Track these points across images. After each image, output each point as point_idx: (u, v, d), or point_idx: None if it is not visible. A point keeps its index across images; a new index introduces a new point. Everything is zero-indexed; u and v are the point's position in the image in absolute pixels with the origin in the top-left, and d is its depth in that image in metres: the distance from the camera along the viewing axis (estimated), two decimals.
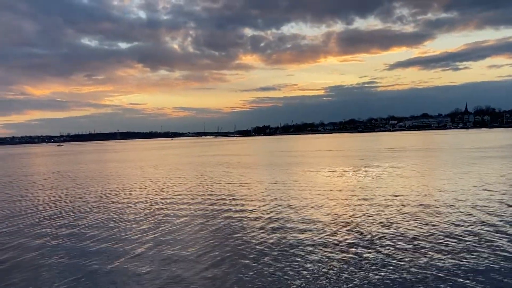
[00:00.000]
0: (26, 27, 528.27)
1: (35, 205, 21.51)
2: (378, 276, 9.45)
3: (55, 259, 11.77)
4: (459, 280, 9.08)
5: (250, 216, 16.44)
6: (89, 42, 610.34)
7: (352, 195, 20.29)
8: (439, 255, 10.67)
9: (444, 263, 10.13)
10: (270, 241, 12.69)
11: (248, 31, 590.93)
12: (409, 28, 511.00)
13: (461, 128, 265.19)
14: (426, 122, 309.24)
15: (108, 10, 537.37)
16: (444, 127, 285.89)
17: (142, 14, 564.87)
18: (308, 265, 10.39)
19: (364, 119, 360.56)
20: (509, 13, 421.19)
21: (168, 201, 20.98)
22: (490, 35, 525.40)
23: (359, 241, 12.22)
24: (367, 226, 13.94)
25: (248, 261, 10.88)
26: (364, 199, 19.04)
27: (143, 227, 15.29)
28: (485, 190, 20.26)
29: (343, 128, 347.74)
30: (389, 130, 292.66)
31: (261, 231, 13.96)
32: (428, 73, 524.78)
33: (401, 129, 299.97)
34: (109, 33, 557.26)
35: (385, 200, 18.70)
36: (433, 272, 9.55)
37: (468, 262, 10.13)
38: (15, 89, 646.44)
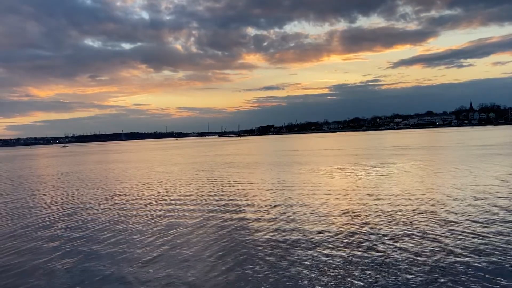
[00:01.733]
0: (31, 29, 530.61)
1: (46, 208, 21.68)
2: (399, 278, 9.49)
3: (68, 263, 11.89)
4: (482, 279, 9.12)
5: (263, 217, 16.50)
6: (92, 43, 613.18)
7: (365, 194, 20.29)
8: (464, 253, 10.71)
9: (468, 262, 10.17)
10: (283, 244, 12.76)
11: (251, 31, 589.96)
12: (412, 26, 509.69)
13: (466, 125, 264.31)
14: (430, 120, 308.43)
15: (111, 11, 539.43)
16: (449, 124, 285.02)
17: (145, 15, 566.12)
18: (325, 268, 10.44)
19: (368, 117, 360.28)
20: None
21: (178, 203, 21.08)
22: (495, 31, 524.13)
23: (376, 241, 12.27)
24: (381, 225, 13.97)
25: (261, 265, 10.95)
26: (376, 198, 19.05)
27: (154, 230, 15.39)
28: (497, 186, 20.25)
29: (347, 126, 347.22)
30: (394, 128, 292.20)
31: (274, 233, 14.02)
32: (432, 70, 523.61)
33: (406, 127, 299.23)
34: (113, 34, 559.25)
35: (399, 198, 18.70)
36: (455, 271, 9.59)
37: (495, 260, 10.16)
38: (20, 90, 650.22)
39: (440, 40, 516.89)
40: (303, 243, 12.43)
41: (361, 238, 12.63)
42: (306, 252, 11.50)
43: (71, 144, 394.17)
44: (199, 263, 11.11)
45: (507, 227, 13.03)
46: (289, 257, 11.14)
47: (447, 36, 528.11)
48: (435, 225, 13.64)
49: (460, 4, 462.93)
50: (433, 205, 16.93)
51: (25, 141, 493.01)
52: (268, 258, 11.17)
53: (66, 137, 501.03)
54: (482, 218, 14.33)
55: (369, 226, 14.01)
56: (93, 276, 10.45)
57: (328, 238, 12.76)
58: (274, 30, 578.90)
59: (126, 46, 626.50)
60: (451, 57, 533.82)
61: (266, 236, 13.42)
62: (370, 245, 11.86)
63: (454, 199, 17.88)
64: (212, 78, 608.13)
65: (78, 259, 12.04)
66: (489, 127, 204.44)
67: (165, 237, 13.99)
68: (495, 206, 16.15)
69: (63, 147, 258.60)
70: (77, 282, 10.14)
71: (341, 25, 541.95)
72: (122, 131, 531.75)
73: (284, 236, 13.35)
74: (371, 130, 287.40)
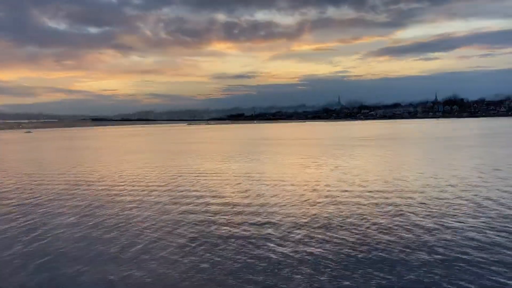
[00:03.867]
0: None
1: (7, 199, 21.13)
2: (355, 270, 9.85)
3: (34, 261, 11.72)
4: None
5: (232, 209, 16.65)
6: (57, 25, 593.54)
7: (335, 184, 20.71)
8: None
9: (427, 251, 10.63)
10: (250, 237, 12.97)
11: (222, 17, 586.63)
12: (381, 18, 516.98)
13: (431, 117, 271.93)
14: (396, 111, 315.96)
15: None
16: (415, 116, 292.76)
17: None
18: (295, 263, 10.70)
19: (336, 108, 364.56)
20: (479, 5, 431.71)
21: (146, 193, 20.92)
22: (460, 26, 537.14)
23: (330, 230, 12.64)
24: (347, 215, 14.38)
25: (228, 259, 11.12)
26: (345, 190, 19.49)
27: (122, 223, 15.26)
28: (452, 176, 21.06)
29: (316, 116, 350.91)
30: (361, 119, 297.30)
31: (242, 225, 14.21)
32: (400, 63, 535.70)
33: (373, 118, 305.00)
34: (78, 16, 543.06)
35: (371, 188, 19.20)
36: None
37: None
38: None
39: (408, 33, 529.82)
40: (271, 235, 12.67)
41: (332, 229, 12.98)
42: (275, 246, 11.73)
43: (35, 129, 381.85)
44: (167, 258, 11.18)
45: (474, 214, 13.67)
46: (256, 250, 11.36)
47: (415, 29, 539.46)
48: (410, 214, 14.15)
49: None
50: (405, 195, 17.48)
51: None
52: (237, 251, 11.35)
53: (30, 122, 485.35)
54: (454, 205, 14.95)
55: (338, 216, 14.39)
56: (61, 275, 10.33)
57: (298, 230, 13.03)
58: (245, 18, 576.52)
59: (93, 30, 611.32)
60: (418, 50, 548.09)
61: (235, 229, 13.58)
62: (338, 235, 12.22)
63: (423, 187, 18.51)
64: (181, 65, 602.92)
65: (44, 256, 11.75)
66: (452, 119, 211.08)
67: (133, 230, 13.93)
68: (464, 193, 16.86)
69: (27, 132, 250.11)
70: (44, 282, 9.99)
71: (311, 14, 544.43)
72: (89, 117, 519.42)
73: (252, 228, 13.55)
74: (338, 120, 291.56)
